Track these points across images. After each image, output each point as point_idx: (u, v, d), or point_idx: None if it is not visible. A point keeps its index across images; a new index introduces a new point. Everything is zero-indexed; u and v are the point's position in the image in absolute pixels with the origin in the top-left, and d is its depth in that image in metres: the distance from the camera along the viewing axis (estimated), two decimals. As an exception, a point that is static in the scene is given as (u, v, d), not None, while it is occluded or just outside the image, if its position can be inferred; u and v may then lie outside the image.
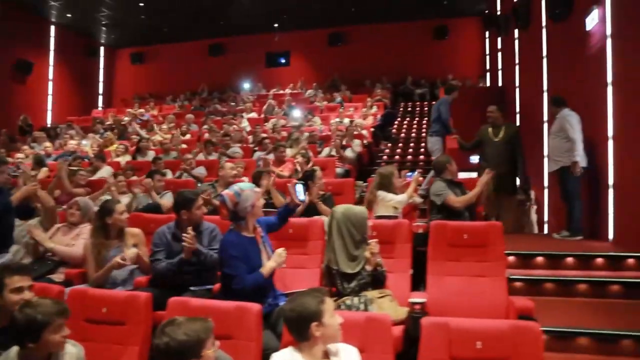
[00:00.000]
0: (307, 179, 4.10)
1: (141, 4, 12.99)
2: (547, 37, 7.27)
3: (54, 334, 1.87)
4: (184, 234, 2.96)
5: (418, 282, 3.22)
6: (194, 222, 3.13)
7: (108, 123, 11.97)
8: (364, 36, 15.10)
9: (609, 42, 4.83)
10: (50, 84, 14.29)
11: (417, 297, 2.52)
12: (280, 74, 15.85)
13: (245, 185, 2.73)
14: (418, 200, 4.30)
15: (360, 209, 2.90)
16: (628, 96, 4.47)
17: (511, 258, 4.02)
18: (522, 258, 3.99)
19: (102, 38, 16.12)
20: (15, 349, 1.89)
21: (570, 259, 3.97)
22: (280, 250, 2.63)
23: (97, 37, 15.94)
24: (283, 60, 16.05)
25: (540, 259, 4.02)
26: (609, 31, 4.84)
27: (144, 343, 2.26)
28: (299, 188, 2.85)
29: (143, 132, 10.23)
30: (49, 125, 12.92)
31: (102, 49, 16.58)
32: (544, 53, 7.35)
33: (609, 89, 4.78)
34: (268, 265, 2.60)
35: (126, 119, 12.17)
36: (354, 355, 1.86)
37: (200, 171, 6.32)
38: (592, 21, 5.28)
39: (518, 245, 4.10)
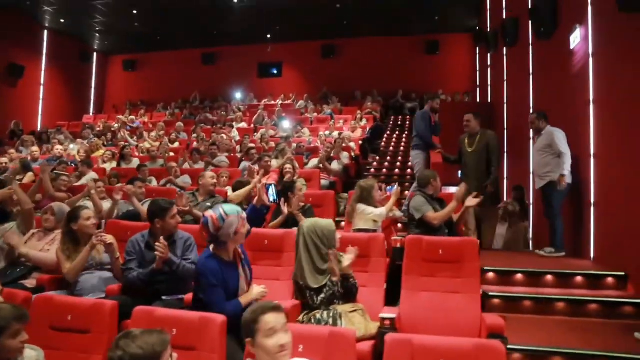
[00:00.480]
0: (287, 190, 4.08)
1: (135, 12, 13.03)
2: (533, 54, 7.36)
3: (11, 339, 1.84)
4: (157, 243, 2.93)
5: (396, 296, 3.19)
6: (168, 231, 3.10)
7: (98, 129, 11.92)
8: (356, 49, 15.22)
9: (591, 60, 4.89)
10: (42, 89, 14.22)
11: (388, 313, 2.50)
12: (272, 85, 15.91)
13: (230, 209, 2.54)
14: (398, 214, 4.29)
15: (327, 222, 2.88)
16: (609, 114, 4.51)
17: (490, 274, 4.02)
18: (501, 275, 3.98)
19: (95, 44, 16.13)
20: None
21: (549, 277, 3.97)
22: (261, 289, 2.56)
23: (90, 43, 15.94)
24: (275, 71, 16.14)
25: (519, 276, 4.01)
26: (591, 50, 4.90)
27: (106, 351, 2.21)
28: (271, 190, 2.82)
29: (132, 139, 10.22)
30: (38, 130, 12.84)
31: (94, 54, 16.56)
32: (531, 70, 7.44)
33: (591, 107, 4.83)
34: (249, 297, 2.52)
35: (116, 125, 12.12)
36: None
37: (185, 180, 6.28)
38: (575, 39, 5.35)
39: (498, 262, 4.10)
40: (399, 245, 3.46)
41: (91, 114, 15.84)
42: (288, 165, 5.50)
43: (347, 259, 2.71)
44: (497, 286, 3.89)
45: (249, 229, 2.63)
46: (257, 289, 2.54)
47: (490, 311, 3.54)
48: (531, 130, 5.72)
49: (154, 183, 6.53)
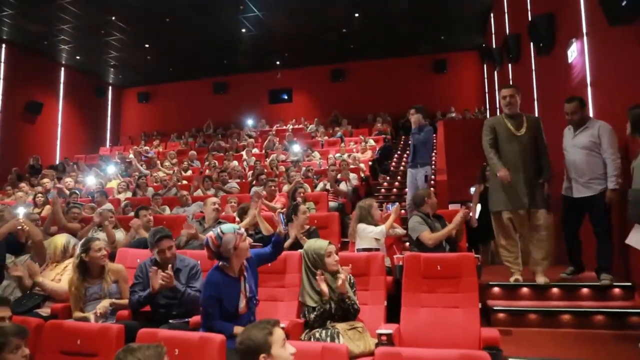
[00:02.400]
0: (291, 213, 4.17)
1: (147, 46, 13.50)
2: (535, 69, 7.44)
3: (11, 353, 1.95)
4: (162, 273, 3.03)
5: (399, 313, 3.23)
6: (166, 262, 3.18)
7: (114, 160, 12.25)
8: (364, 72, 15.45)
9: (587, 73, 4.95)
10: (59, 123, 14.71)
11: (386, 329, 2.54)
12: (283, 110, 16.19)
13: (227, 227, 2.71)
14: (400, 232, 4.33)
15: (319, 245, 2.96)
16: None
17: (496, 289, 4.02)
18: (507, 289, 3.98)
19: (109, 78, 16.68)
20: None
21: (555, 290, 3.96)
22: None
23: (105, 77, 16.50)
24: (285, 97, 16.45)
25: (525, 289, 4.01)
26: (587, 62, 4.96)
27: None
28: (281, 217, 2.93)
29: (144, 169, 10.48)
30: (56, 163, 13.25)
31: (109, 88, 17.11)
32: (534, 85, 7.50)
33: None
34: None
35: (131, 156, 12.45)
36: (310, 386, 1.90)
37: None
38: (572, 54, 5.42)
39: (503, 277, 4.10)
40: (400, 263, 3.51)
41: (107, 146, 16.29)
42: (301, 189, 5.68)
43: (339, 278, 2.77)
44: (503, 300, 3.89)
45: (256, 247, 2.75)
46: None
47: (496, 325, 3.56)
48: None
49: (167, 211, 6.70)
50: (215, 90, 16.44)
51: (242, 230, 2.78)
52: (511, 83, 9.75)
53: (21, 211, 4.61)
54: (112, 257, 3.87)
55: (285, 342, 1.87)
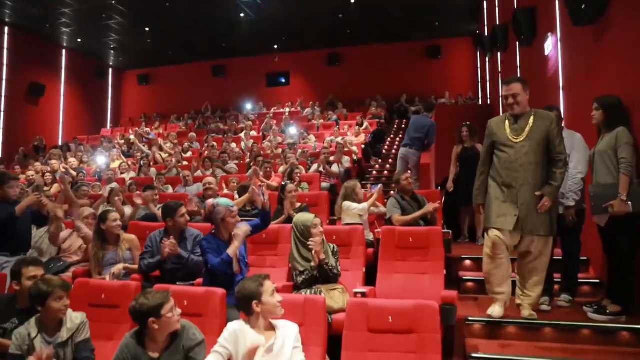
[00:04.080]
0: (280, 192, 4.63)
1: (147, 29, 13.76)
2: (520, 59, 7.82)
3: (55, 302, 2.41)
4: (163, 241, 3.50)
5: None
6: (179, 228, 3.65)
7: (116, 141, 12.63)
8: (360, 56, 15.74)
9: (560, 66, 5.35)
10: (62, 105, 15.05)
11: (361, 288, 3.01)
12: (280, 93, 16.52)
13: (222, 201, 3.28)
14: (382, 209, 4.79)
15: (306, 218, 3.41)
16: (575, 120, 4.93)
17: (467, 262, 4.46)
18: (475, 261, 4.42)
19: (110, 60, 16.94)
20: (35, 317, 2.44)
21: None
22: (245, 226, 3.17)
23: (106, 59, 16.77)
24: (283, 80, 16.77)
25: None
26: (560, 56, 5.36)
27: (133, 322, 2.77)
28: (262, 191, 3.41)
29: (147, 149, 10.88)
30: (60, 144, 13.63)
31: (110, 70, 17.39)
32: (519, 74, 7.89)
33: (562, 110, 5.27)
34: (234, 247, 3.11)
35: (132, 137, 12.82)
36: (294, 329, 2.35)
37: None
38: (548, 47, 5.82)
39: (475, 252, 4.54)
40: (380, 237, 3.97)
41: (108, 127, 16.65)
42: (297, 170, 6.18)
43: (312, 249, 3.25)
44: (473, 272, 4.35)
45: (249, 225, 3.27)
46: (242, 228, 3.15)
47: (465, 293, 4.03)
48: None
49: (170, 190, 7.14)
50: (214, 73, 16.74)
51: (235, 208, 3.30)
52: (500, 70, 10.13)
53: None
54: (123, 229, 4.32)
55: (274, 292, 2.33)
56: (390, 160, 10.34)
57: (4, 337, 2.66)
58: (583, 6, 3.88)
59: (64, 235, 4.27)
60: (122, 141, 12.51)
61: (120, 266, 3.68)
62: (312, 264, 3.21)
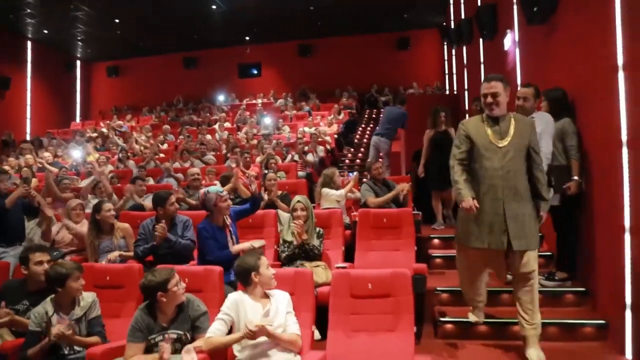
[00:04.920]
0: (262, 180, 4.95)
1: (116, 20, 13.65)
2: (483, 52, 8.30)
3: (74, 282, 2.68)
4: (156, 225, 3.76)
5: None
6: (169, 215, 3.91)
7: (88, 135, 12.58)
8: (331, 48, 16.03)
9: (518, 61, 5.81)
10: (29, 98, 14.78)
11: (341, 264, 3.37)
12: (252, 85, 16.68)
13: (212, 189, 3.68)
14: (358, 195, 5.16)
15: (298, 198, 3.77)
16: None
17: (435, 241, 4.87)
18: (444, 240, 4.83)
19: (78, 52, 16.67)
20: (49, 297, 2.69)
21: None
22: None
23: (74, 51, 16.49)
24: (255, 72, 16.92)
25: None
26: (518, 52, 5.82)
27: (137, 300, 3.05)
28: (250, 179, 3.72)
29: (122, 143, 10.93)
30: (29, 138, 13.43)
31: (78, 63, 17.12)
32: (482, 66, 8.37)
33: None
34: (239, 247, 3.41)
35: (105, 130, 12.79)
36: (286, 297, 2.69)
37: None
38: (507, 43, 6.27)
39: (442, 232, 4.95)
40: (357, 219, 4.34)
41: (78, 121, 16.45)
42: (272, 160, 6.50)
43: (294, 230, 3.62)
44: (441, 250, 4.76)
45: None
46: (246, 245, 3.49)
47: (434, 269, 4.44)
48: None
49: (151, 181, 7.32)
50: (185, 64, 16.73)
51: (224, 193, 3.64)
52: (465, 62, 10.62)
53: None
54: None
55: (268, 266, 2.66)
56: (362, 149, 10.75)
57: (16, 317, 2.91)
58: (535, 8, 4.30)
59: (55, 229, 4.46)
60: (95, 134, 12.49)
61: (115, 253, 3.92)
62: (294, 242, 3.56)
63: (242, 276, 2.63)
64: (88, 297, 2.77)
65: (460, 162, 2.98)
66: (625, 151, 3.12)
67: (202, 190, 3.64)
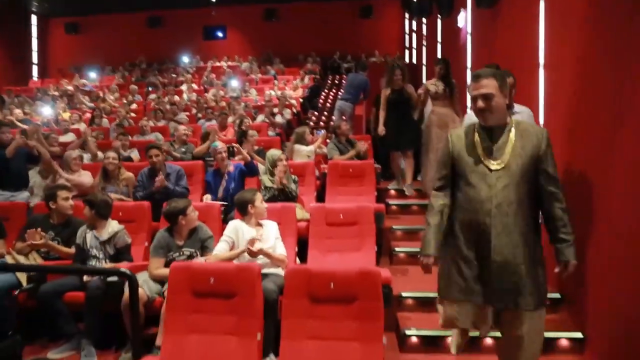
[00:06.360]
0: (242, 136, 5.55)
1: (77, -26, 13.38)
2: (441, 27, 9.03)
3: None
4: (157, 179, 4.34)
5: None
6: (154, 166, 4.51)
7: (52, 93, 12.54)
8: (296, 13, 16.30)
9: (468, 38, 6.57)
10: (-18, 54, 14.36)
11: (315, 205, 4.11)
12: (217, 47, 16.76)
13: (214, 144, 4.65)
14: (325, 150, 5.89)
15: (276, 152, 4.42)
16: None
17: (393, 207, 5.51)
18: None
19: (33, 7, 16.11)
20: (86, 224, 3.31)
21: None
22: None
23: (28, 5, 15.94)
24: (220, 34, 17.01)
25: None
26: (469, 30, 6.57)
27: (148, 234, 3.70)
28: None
29: (88, 102, 11.09)
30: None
31: (34, 18, 16.56)
32: (439, 40, 9.13)
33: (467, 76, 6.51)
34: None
35: (70, 88, 12.77)
36: (275, 226, 3.37)
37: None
38: (460, 21, 7.01)
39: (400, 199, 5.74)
40: (325, 171, 5.07)
41: (36, 78, 16.12)
42: (246, 120, 7.06)
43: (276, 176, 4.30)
44: (396, 199, 5.53)
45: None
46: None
47: (390, 214, 5.20)
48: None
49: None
50: (149, 24, 16.58)
51: (219, 147, 4.31)
52: (425, 34, 11.33)
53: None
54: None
55: (262, 200, 3.33)
56: (326, 113, 11.39)
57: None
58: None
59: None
60: (57, 93, 12.47)
61: (115, 196, 4.48)
62: (275, 185, 4.23)
63: (240, 207, 3.30)
64: (115, 226, 3.38)
65: (440, 197, 2.25)
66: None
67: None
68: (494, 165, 2.12)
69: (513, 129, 2.17)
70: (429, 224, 2.24)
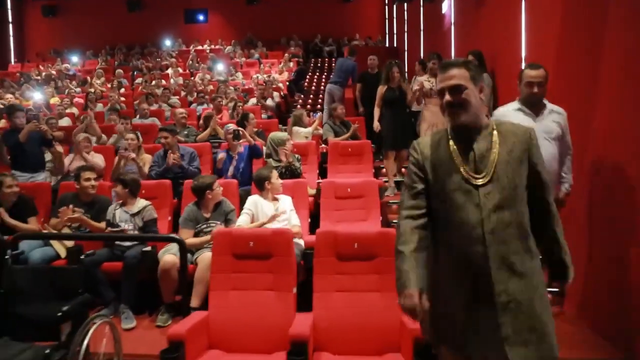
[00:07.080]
0: (243, 119, 5.84)
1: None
2: (423, 13, 9.39)
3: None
4: (173, 156, 4.63)
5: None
6: (168, 147, 4.77)
7: (35, 78, 12.45)
8: (278, -3, 16.44)
9: (452, 23, 6.96)
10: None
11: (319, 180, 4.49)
12: (198, 31, 16.78)
13: (228, 125, 4.89)
14: (321, 131, 6.25)
15: (282, 135, 4.74)
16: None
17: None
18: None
19: (8, -13, 15.81)
20: (116, 202, 3.61)
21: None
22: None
23: (4, -14, 15.64)
24: (202, 17, 16.98)
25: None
26: (453, 16, 6.96)
27: (170, 209, 4.04)
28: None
29: (73, 86, 11.11)
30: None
31: (8, 0, 16.22)
32: (422, 25, 9.50)
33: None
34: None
35: (53, 72, 12.70)
36: (289, 199, 3.74)
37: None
38: (444, 7, 7.39)
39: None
40: (324, 151, 5.44)
41: (13, 62, 15.86)
42: (239, 104, 7.32)
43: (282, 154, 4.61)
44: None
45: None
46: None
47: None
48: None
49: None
50: (129, 7, 16.44)
51: (230, 128, 4.61)
52: (406, 19, 11.69)
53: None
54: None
55: (277, 177, 3.68)
56: (312, 96, 11.69)
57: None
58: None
59: (68, 160, 5.17)
60: (39, 78, 12.40)
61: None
62: (282, 163, 4.57)
63: (258, 183, 3.65)
64: (144, 202, 3.70)
65: (412, 218, 1.73)
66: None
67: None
68: (478, 179, 1.65)
69: (495, 132, 1.71)
70: (401, 253, 1.67)
